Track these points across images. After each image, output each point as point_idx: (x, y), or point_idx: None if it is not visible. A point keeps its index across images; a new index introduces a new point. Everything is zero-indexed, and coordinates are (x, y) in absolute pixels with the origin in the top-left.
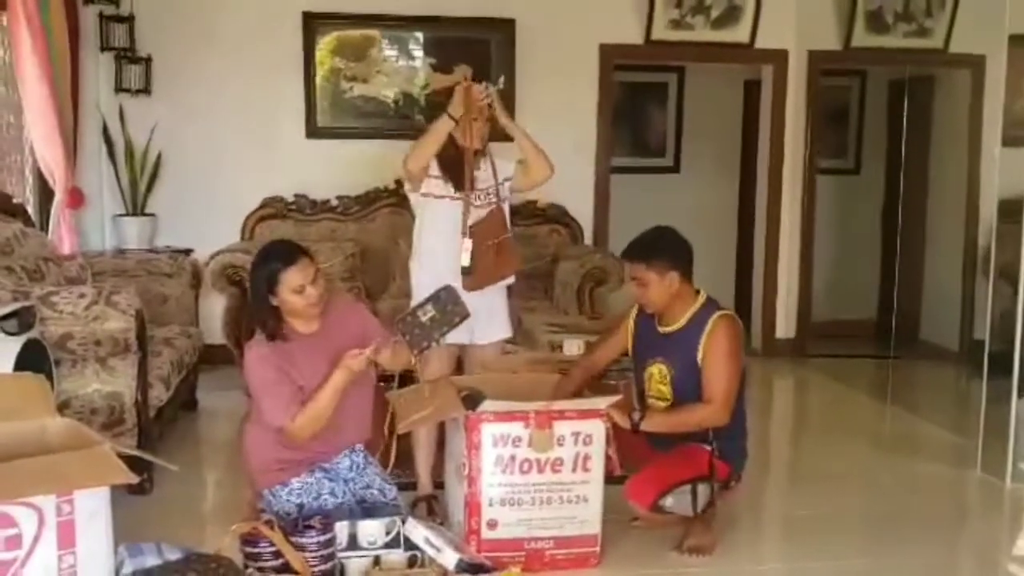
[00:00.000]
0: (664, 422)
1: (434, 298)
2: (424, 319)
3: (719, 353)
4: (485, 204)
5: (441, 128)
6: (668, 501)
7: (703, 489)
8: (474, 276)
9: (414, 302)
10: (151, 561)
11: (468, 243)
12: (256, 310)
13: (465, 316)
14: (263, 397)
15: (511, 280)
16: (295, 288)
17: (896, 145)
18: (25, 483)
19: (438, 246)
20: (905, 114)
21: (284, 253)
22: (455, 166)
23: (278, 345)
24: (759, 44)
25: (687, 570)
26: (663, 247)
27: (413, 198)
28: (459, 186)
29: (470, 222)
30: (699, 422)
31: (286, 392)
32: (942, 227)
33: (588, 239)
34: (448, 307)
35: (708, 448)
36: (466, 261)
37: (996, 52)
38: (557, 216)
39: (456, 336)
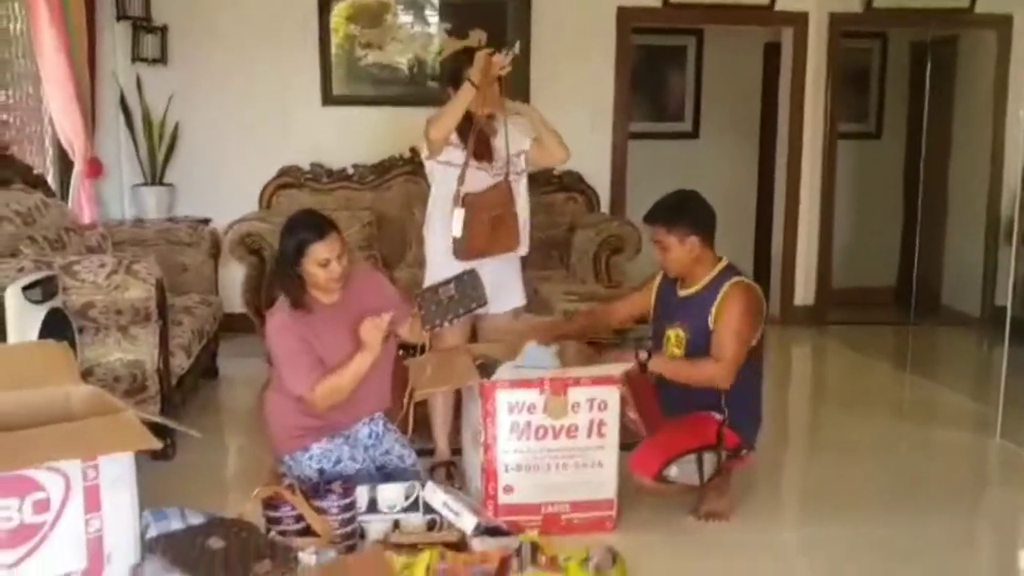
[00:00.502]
0: (670, 367)
1: (457, 279)
2: (443, 297)
3: (729, 317)
4: (500, 174)
5: (465, 96)
6: (673, 471)
7: (709, 458)
8: (463, 245)
9: (427, 271)
10: (175, 525)
11: (460, 212)
12: (281, 278)
13: (483, 303)
14: (284, 366)
15: (523, 252)
16: (320, 262)
17: (918, 109)
18: (51, 448)
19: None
20: (928, 77)
21: (314, 225)
22: (467, 133)
23: (299, 315)
24: (779, 6)
25: (704, 535)
26: (685, 211)
27: (428, 165)
28: (475, 154)
29: (471, 189)
30: (702, 376)
31: (306, 362)
32: (964, 192)
33: (605, 207)
34: (468, 291)
35: (719, 417)
36: (457, 231)
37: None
38: (573, 183)
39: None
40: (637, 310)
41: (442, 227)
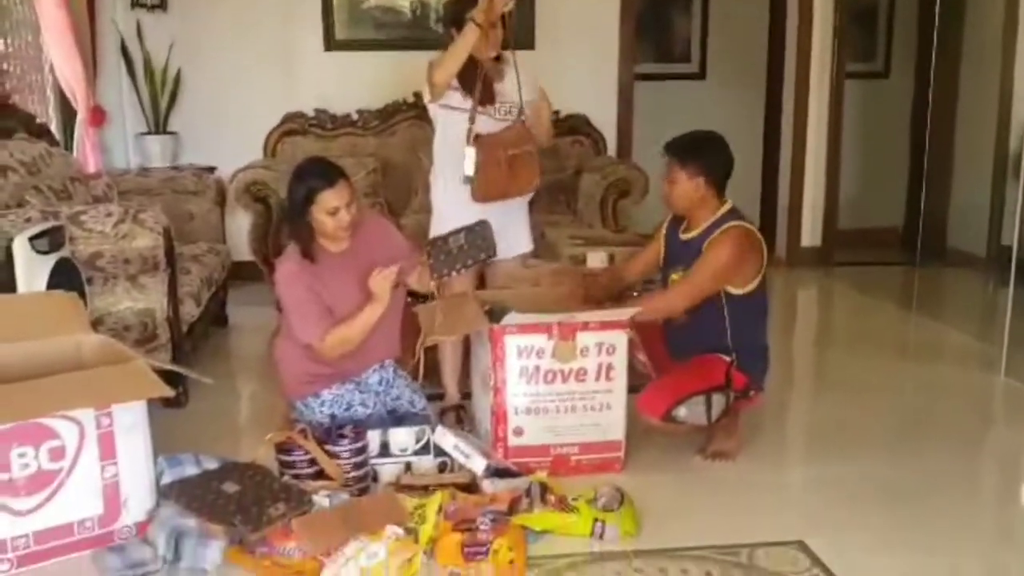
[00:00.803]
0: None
1: (468, 229)
2: (453, 247)
3: (711, 254)
4: (504, 119)
5: (469, 37)
6: (681, 412)
7: (718, 399)
8: (478, 187)
9: (434, 219)
10: (190, 470)
11: (471, 151)
12: (290, 227)
13: (492, 255)
14: (293, 314)
15: (530, 195)
16: (330, 210)
17: (927, 47)
18: (64, 397)
19: (459, 165)
20: (936, 14)
21: (323, 173)
22: (472, 77)
23: (308, 263)
24: None
25: (711, 474)
26: (703, 152)
27: (432, 109)
28: (479, 99)
29: (483, 130)
30: (664, 311)
31: (315, 311)
32: (972, 131)
33: (611, 150)
34: (479, 241)
35: (727, 359)
36: (469, 170)
37: None
38: (579, 126)
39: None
40: (647, 264)
41: (451, 172)
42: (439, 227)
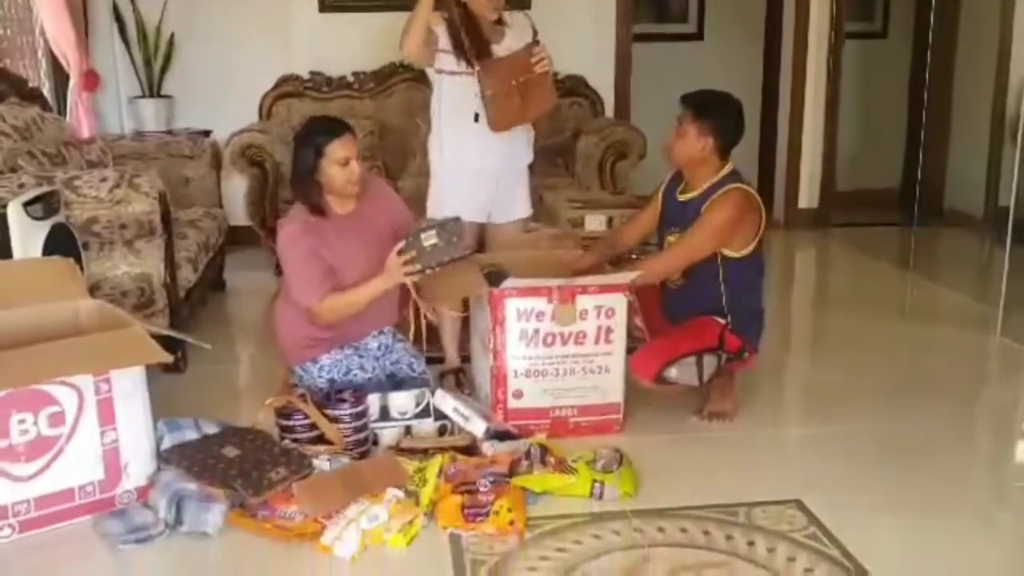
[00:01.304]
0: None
1: (440, 225)
2: (426, 244)
3: (710, 215)
4: None
5: (425, 3)
6: (672, 372)
7: (709, 360)
8: (493, 118)
9: (432, 187)
10: (190, 435)
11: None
12: (299, 182)
13: (464, 256)
14: (293, 275)
15: (528, 160)
16: (340, 160)
17: (925, 7)
18: (63, 363)
19: (460, 128)
20: None
21: (329, 127)
22: (464, 38)
23: (312, 224)
24: None
25: (708, 435)
26: (718, 112)
27: (430, 72)
28: (477, 57)
29: (473, 92)
30: (663, 272)
31: (316, 273)
32: (970, 93)
33: (609, 112)
34: (453, 239)
35: (722, 321)
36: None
37: None
38: (577, 88)
39: (475, 216)
40: (645, 228)
41: (448, 137)
42: (436, 192)
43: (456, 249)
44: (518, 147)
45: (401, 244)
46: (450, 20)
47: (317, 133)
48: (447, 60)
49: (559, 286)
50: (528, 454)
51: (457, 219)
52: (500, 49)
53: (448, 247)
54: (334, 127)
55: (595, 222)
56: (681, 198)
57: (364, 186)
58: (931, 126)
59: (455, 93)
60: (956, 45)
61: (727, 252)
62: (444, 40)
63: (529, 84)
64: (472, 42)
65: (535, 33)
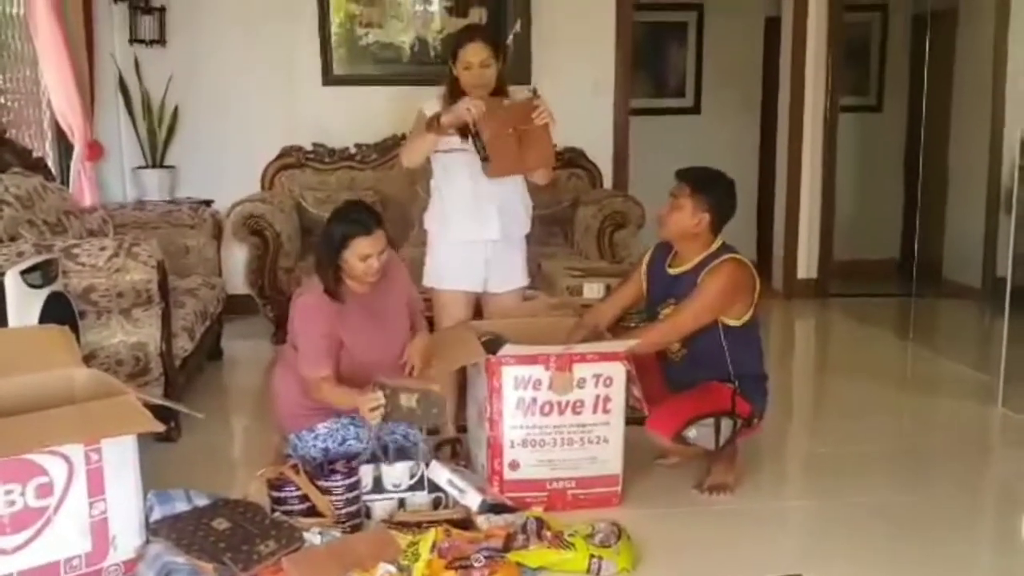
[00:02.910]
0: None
1: (424, 394)
2: (404, 404)
3: (707, 284)
4: None
5: (427, 138)
6: (692, 433)
7: (726, 424)
8: (491, 163)
9: (429, 259)
10: (180, 507)
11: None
12: (322, 264)
13: (437, 431)
14: (305, 342)
15: (527, 229)
16: (361, 256)
17: (918, 81)
18: (53, 432)
19: (458, 201)
20: (927, 49)
21: (362, 220)
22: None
23: (328, 299)
24: None
25: (709, 508)
26: (716, 189)
27: (432, 161)
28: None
29: (468, 169)
30: (660, 343)
31: (323, 347)
32: (965, 164)
33: (607, 183)
34: (432, 411)
35: (731, 386)
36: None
37: None
38: (575, 160)
39: (472, 286)
40: (627, 301)
41: (447, 209)
42: (433, 262)
43: (430, 419)
44: (516, 218)
45: (379, 390)
46: (448, 99)
47: (349, 223)
48: (446, 140)
49: (557, 354)
50: (524, 528)
51: (441, 397)
52: None
53: (423, 415)
54: (368, 223)
55: (593, 290)
56: (672, 271)
57: (383, 273)
58: (927, 198)
59: (453, 168)
60: (950, 118)
61: (727, 321)
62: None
63: (528, 135)
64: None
65: (536, 91)
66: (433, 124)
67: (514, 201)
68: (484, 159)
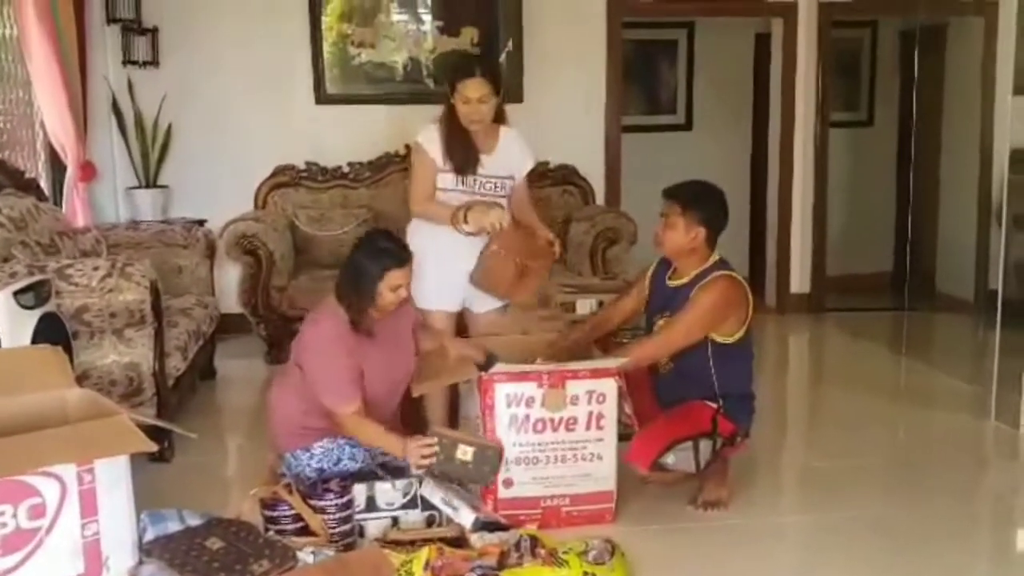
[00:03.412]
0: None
1: (481, 450)
2: (459, 457)
3: (698, 300)
4: (490, 194)
5: (442, 217)
6: (669, 459)
7: (705, 445)
8: (482, 274)
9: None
10: (172, 527)
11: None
12: (353, 293)
13: (484, 485)
14: (327, 375)
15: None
16: (393, 287)
17: (908, 96)
18: (46, 453)
19: (441, 238)
20: (917, 65)
21: (397, 253)
22: (460, 154)
23: (349, 324)
24: None
25: (703, 524)
26: (707, 203)
27: None
28: (462, 170)
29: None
30: (651, 357)
31: (349, 378)
32: (956, 178)
33: (600, 199)
34: (484, 468)
35: (714, 406)
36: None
37: None
38: (568, 176)
39: (451, 306)
40: (630, 309)
41: (428, 230)
42: (416, 283)
43: (481, 476)
44: None
45: (432, 437)
46: (450, 131)
47: (383, 255)
48: (441, 178)
49: (549, 371)
50: (518, 545)
51: (501, 451)
52: (489, 160)
53: (475, 471)
54: (402, 256)
55: (586, 306)
56: (671, 284)
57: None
58: (919, 211)
59: (443, 200)
60: (940, 132)
61: (717, 338)
62: (439, 154)
63: (529, 271)
64: (462, 148)
65: (535, 162)
66: (459, 218)
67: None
68: (477, 265)
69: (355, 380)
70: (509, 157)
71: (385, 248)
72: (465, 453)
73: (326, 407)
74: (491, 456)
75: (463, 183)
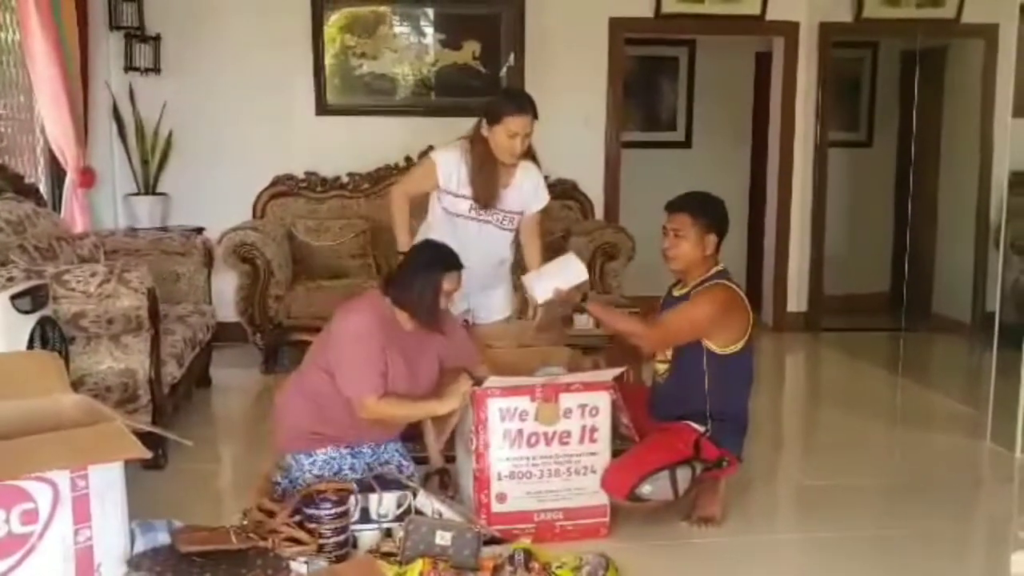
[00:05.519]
0: (604, 313)
1: (459, 532)
2: (437, 543)
3: (693, 304)
4: (497, 225)
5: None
6: (646, 488)
7: (683, 473)
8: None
9: None
10: (162, 538)
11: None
12: (420, 306)
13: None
14: (353, 367)
15: (511, 258)
16: (447, 291)
17: (908, 117)
18: (39, 458)
19: (444, 236)
20: (917, 86)
21: (453, 261)
22: (485, 189)
23: (386, 321)
24: (770, 16)
25: (698, 541)
26: (712, 210)
27: (432, 195)
28: (483, 204)
29: (472, 233)
30: (628, 327)
31: (377, 369)
32: (954, 199)
33: (599, 215)
34: (464, 552)
35: (700, 429)
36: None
37: (1009, 21)
38: (568, 191)
39: (456, 310)
40: None
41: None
42: None
43: (459, 561)
44: (499, 248)
45: (410, 526)
46: (476, 157)
47: (440, 263)
48: (460, 203)
49: (542, 384)
50: (512, 560)
51: (479, 536)
52: (504, 193)
53: (454, 556)
54: (455, 262)
55: (583, 320)
56: (676, 293)
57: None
58: (917, 233)
59: (457, 230)
60: (939, 153)
61: (712, 347)
62: (464, 186)
63: (549, 326)
64: (488, 182)
65: (547, 202)
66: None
67: (494, 230)
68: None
69: (384, 373)
70: (522, 194)
71: (444, 259)
72: (444, 538)
73: (350, 397)
74: (471, 539)
75: (476, 211)
